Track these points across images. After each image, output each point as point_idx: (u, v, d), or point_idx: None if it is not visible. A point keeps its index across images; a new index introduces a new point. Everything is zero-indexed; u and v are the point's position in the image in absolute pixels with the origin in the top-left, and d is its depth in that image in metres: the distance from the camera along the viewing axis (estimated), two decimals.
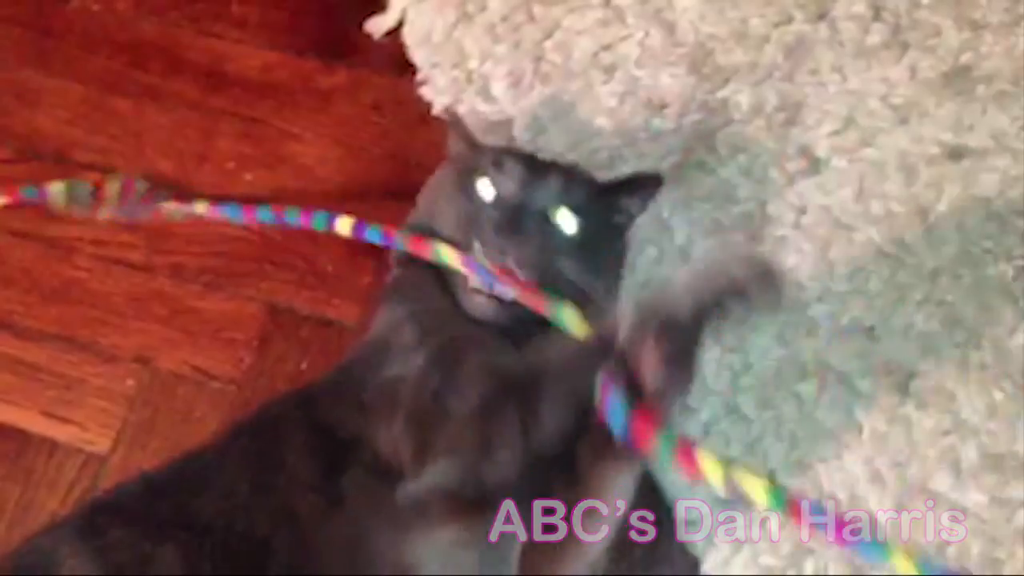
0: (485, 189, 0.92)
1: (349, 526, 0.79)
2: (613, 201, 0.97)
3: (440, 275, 0.92)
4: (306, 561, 0.77)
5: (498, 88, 1.15)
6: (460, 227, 0.91)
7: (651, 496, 0.93)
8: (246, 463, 0.83)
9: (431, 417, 0.80)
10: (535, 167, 0.93)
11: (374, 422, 0.82)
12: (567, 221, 0.91)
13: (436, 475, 0.77)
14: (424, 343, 0.86)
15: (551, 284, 0.89)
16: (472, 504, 0.77)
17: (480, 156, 0.96)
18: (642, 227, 1.02)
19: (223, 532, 0.78)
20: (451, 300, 0.92)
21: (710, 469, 0.69)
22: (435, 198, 0.99)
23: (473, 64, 1.17)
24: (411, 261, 0.94)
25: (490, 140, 1.12)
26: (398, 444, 0.80)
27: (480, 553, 0.78)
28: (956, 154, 1.06)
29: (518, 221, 0.89)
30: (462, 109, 1.15)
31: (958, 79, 1.09)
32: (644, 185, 0.98)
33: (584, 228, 0.92)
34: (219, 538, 0.78)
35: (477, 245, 0.89)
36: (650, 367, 0.71)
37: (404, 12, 1.21)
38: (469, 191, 0.93)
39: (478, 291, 0.90)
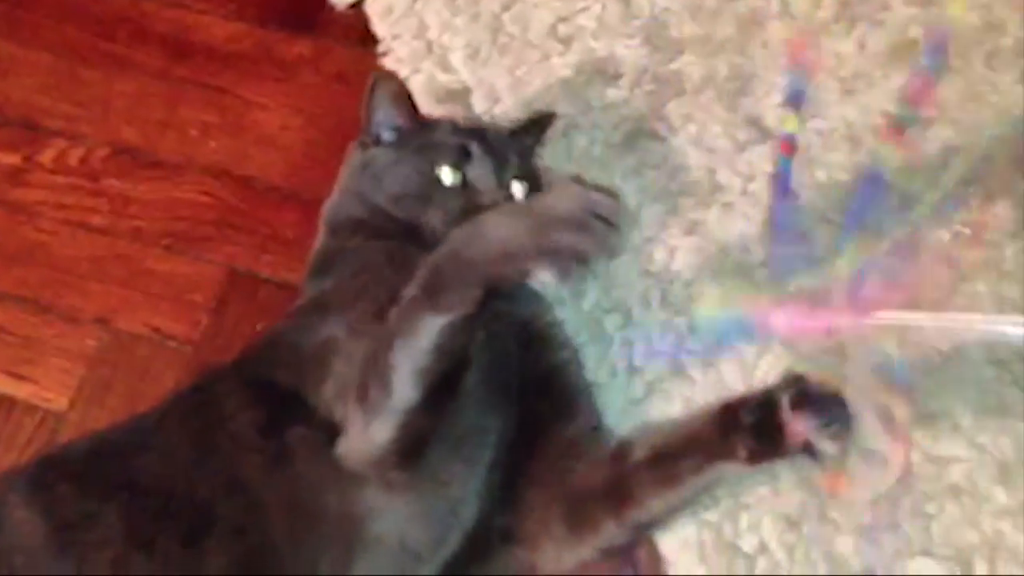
0: (448, 176, 0.94)
1: (294, 481, 0.79)
2: (527, 148, 1.05)
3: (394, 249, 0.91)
4: (252, 522, 0.78)
5: (457, 59, 1.17)
6: (429, 213, 0.93)
7: None
8: (186, 425, 0.84)
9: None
10: (494, 151, 0.96)
11: (308, 383, 0.82)
12: (519, 191, 0.97)
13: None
14: (356, 306, 0.85)
15: None
16: (409, 454, 0.79)
17: (431, 140, 0.97)
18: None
19: (165, 495, 0.79)
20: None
21: None
22: (375, 178, 0.98)
23: (433, 35, 1.19)
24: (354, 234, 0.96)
25: (448, 109, 1.15)
26: (331, 407, 0.80)
27: (427, 505, 0.81)
28: (900, 124, 1.08)
29: None
30: (421, 78, 1.17)
31: (905, 52, 1.11)
32: (542, 123, 1.09)
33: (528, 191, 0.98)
34: (161, 501, 0.79)
35: None
36: None
37: None
38: (428, 174, 0.94)
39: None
